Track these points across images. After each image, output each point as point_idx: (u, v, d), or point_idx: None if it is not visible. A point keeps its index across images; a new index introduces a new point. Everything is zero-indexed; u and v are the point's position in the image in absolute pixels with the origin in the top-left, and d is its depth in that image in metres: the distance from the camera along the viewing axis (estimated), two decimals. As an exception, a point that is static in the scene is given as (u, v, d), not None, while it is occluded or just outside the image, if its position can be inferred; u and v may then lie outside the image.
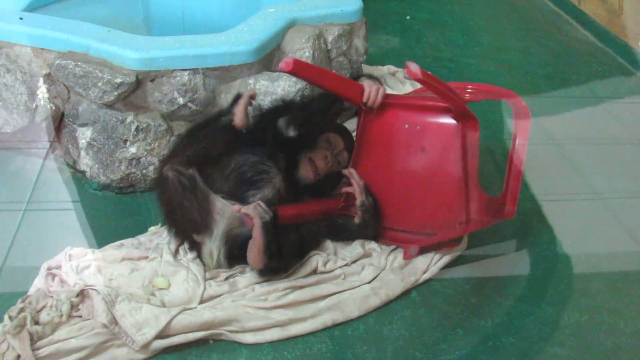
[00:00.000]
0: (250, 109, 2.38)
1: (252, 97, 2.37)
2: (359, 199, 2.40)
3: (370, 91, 2.41)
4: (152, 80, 2.56)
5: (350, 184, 2.44)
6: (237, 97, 2.38)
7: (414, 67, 2.10)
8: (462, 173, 2.34)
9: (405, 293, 2.35)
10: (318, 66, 2.38)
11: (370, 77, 2.50)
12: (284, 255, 2.30)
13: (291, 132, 2.37)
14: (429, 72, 2.20)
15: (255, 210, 2.16)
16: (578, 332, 2.27)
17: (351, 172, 2.44)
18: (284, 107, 2.48)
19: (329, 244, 2.48)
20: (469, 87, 2.58)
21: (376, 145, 2.50)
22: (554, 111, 3.76)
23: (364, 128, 2.50)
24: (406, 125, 2.45)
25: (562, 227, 2.78)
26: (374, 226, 2.48)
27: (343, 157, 2.54)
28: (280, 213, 2.25)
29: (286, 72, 2.25)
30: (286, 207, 2.31)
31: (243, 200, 2.24)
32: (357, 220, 2.43)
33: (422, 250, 2.45)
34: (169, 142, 2.65)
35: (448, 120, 2.36)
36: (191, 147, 2.28)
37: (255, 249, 2.20)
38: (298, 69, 2.26)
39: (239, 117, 2.30)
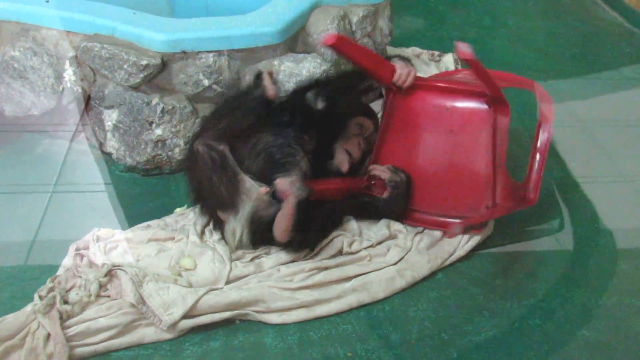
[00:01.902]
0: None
1: (271, 73, 2.40)
2: (386, 175, 2.41)
3: (402, 72, 2.40)
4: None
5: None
6: (259, 74, 2.40)
7: (464, 47, 2.08)
8: (491, 157, 2.33)
9: (431, 274, 2.35)
10: (356, 43, 2.39)
11: (402, 58, 2.49)
12: (310, 231, 2.31)
13: (320, 105, 2.37)
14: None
15: (292, 187, 2.15)
16: (606, 314, 2.25)
17: (374, 166, 2.47)
18: (311, 85, 2.48)
19: (354, 225, 2.47)
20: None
21: (403, 126, 2.49)
22: (581, 93, 3.71)
23: (392, 108, 2.49)
24: (435, 107, 2.43)
25: (589, 209, 2.75)
26: (402, 206, 2.47)
27: (373, 139, 2.56)
28: (313, 189, 2.25)
29: (327, 45, 2.25)
30: (317, 183, 2.32)
31: (270, 182, 2.23)
32: (385, 195, 2.43)
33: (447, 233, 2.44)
34: (194, 124, 2.66)
35: (479, 104, 2.36)
36: (223, 122, 2.28)
37: (284, 223, 2.20)
38: (339, 44, 2.25)
39: (270, 88, 2.32)
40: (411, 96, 2.46)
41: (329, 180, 2.46)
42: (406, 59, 2.49)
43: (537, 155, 2.42)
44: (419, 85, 2.45)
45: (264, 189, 2.21)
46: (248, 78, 2.65)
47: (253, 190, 2.23)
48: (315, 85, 2.46)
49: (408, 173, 2.45)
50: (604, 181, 2.95)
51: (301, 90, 2.45)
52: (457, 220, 2.38)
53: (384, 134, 2.52)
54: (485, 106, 2.35)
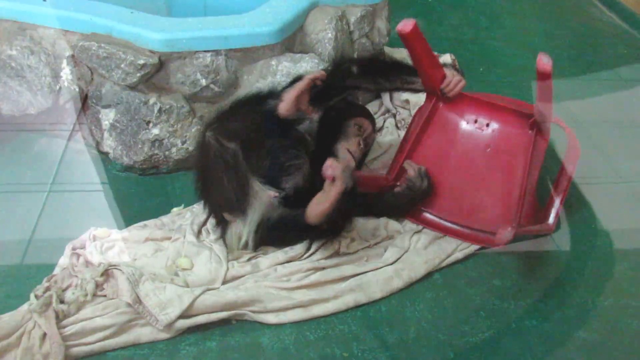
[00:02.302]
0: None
1: (316, 79, 2.25)
2: (412, 173, 2.44)
3: (452, 80, 2.43)
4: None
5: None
6: (297, 79, 2.32)
7: (546, 59, 2.08)
8: (524, 179, 2.37)
9: (428, 275, 2.35)
10: (425, 40, 2.37)
11: (454, 67, 2.53)
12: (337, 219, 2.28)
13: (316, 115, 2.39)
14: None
15: (343, 173, 2.09)
16: (602, 315, 2.25)
17: (409, 163, 2.49)
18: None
19: (351, 226, 2.46)
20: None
21: (441, 132, 2.52)
22: (578, 94, 3.71)
23: (432, 113, 2.52)
24: (475, 122, 2.46)
25: (586, 210, 2.75)
26: (406, 208, 2.50)
27: (370, 139, 2.59)
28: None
29: (403, 33, 2.25)
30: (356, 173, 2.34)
31: (276, 185, 2.25)
32: (397, 189, 2.46)
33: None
34: (192, 123, 2.66)
35: (522, 126, 2.40)
36: (234, 121, 2.24)
37: (323, 207, 2.13)
38: (412, 34, 2.27)
39: (285, 105, 2.23)
40: (454, 106, 2.49)
41: (363, 172, 2.51)
42: (459, 70, 2.52)
43: (560, 187, 2.56)
44: (464, 97, 2.48)
45: (273, 192, 2.22)
46: (251, 79, 2.64)
47: (262, 194, 2.23)
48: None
49: (432, 182, 2.46)
50: (601, 182, 2.95)
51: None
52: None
53: (420, 136, 2.53)
54: (527, 129, 2.39)
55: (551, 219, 2.53)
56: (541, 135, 2.41)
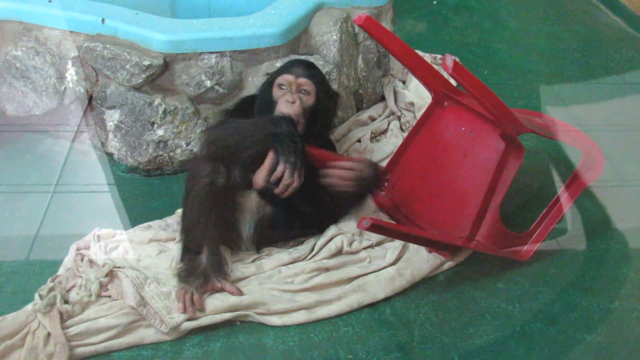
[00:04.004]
0: None
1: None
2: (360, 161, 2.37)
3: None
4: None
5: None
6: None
7: (448, 60, 2.04)
8: (485, 192, 2.30)
9: (432, 277, 2.34)
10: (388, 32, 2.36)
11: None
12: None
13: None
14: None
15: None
16: (607, 318, 2.24)
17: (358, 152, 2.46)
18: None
19: (354, 224, 2.43)
20: (544, 119, 2.60)
21: (430, 136, 2.52)
22: (583, 97, 3.71)
23: (426, 118, 2.53)
24: (462, 129, 2.44)
25: (592, 213, 2.75)
26: (358, 198, 2.45)
27: (309, 87, 2.39)
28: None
29: (358, 24, 2.23)
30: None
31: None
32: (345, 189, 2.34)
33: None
34: (196, 124, 2.66)
35: (498, 138, 2.31)
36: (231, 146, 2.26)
37: (260, 172, 2.21)
38: (367, 26, 2.24)
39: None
40: (447, 110, 2.49)
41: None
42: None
43: (551, 216, 2.50)
44: (460, 102, 2.45)
45: (255, 195, 2.29)
46: (256, 81, 2.65)
47: (252, 200, 2.29)
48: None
49: (380, 173, 2.42)
50: (607, 185, 2.94)
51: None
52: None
53: (413, 136, 2.55)
54: (501, 141, 2.29)
55: (527, 248, 2.45)
56: (514, 152, 2.29)
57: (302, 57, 2.67)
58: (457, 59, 3.34)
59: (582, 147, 2.57)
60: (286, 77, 2.38)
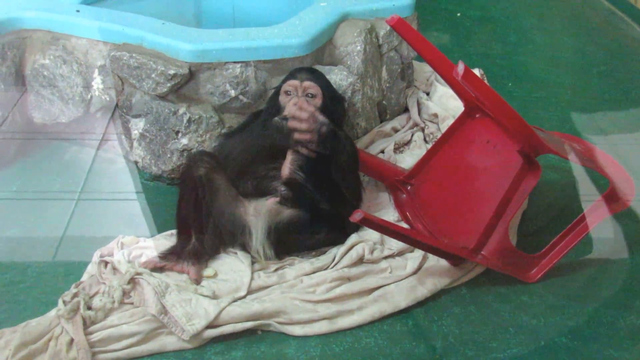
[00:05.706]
0: None
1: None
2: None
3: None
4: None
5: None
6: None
7: (460, 67, 2.04)
8: (496, 208, 2.28)
9: (455, 289, 2.32)
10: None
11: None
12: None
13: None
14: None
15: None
16: (633, 334, 2.20)
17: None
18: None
19: (375, 233, 2.42)
20: (582, 145, 2.55)
21: (457, 146, 2.52)
22: (608, 110, 3.67)
23: (456, 128, 2.54)
24: (488, 142, 2.43)
25: (615, 229, 2.71)
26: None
27: (314, 90, 2.44)
28: None
29: (389, 24, 2.23)
30: None
31: (268, 192, 2.37)
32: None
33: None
34: (220, 134, 2.67)
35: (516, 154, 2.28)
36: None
37: (285, 168, 2.37)
38: (398, 27, 2.25)
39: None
40: (474, 124, 2.48)
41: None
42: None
43: (567, 241, 2.42)
44: (489, 117, 2.43)
45: (272, 199, 2.31)
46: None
47: (261, 206, 2.31)
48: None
49: (333, 128, 2.37)
50: (634, 199, 2.90)
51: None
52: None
53: (442, 143, 2.55)
54: (519, 157, 2.27)
55: (537, 270, 2.39)
56: (530, 170, 2.26)
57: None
58: (482, 70, 3.33)
59: (614, 178, 2.50)
60: (291, 83, 2.44)
